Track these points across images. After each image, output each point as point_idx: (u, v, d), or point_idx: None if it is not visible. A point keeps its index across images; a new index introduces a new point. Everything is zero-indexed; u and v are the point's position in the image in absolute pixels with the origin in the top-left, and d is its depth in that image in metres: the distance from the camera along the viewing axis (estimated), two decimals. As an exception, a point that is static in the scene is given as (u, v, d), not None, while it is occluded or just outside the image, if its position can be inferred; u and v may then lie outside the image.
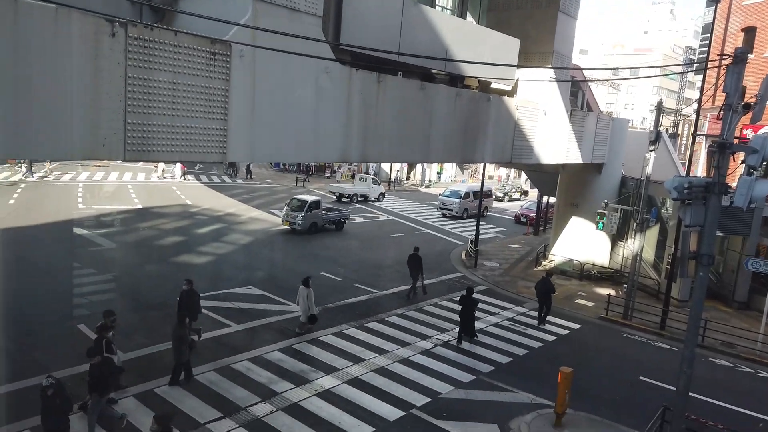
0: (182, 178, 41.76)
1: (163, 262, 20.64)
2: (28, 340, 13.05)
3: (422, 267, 19.32)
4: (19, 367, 11.76)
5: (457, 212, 36.90)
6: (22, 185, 32.30)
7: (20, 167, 36.44)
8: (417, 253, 19.38)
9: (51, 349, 12.89)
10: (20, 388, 10.91)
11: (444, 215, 37.02)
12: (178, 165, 41.69)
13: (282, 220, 28.03)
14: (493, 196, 42.82)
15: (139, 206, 30.09)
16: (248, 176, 46.49)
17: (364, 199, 40.37)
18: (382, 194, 41.71)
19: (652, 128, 18.55)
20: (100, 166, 41.30)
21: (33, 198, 29.13)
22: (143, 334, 14.03)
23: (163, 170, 41.85)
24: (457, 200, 37.22)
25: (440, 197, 38.79)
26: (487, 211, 39.37)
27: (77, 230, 23.69)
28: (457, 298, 19.03)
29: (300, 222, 27.04)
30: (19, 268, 18.19)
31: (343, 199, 39.31)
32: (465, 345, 15.22)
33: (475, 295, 16.35)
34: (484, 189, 39.33)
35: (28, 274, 17.85)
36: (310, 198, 28.44)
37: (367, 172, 54.72)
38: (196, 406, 10.91)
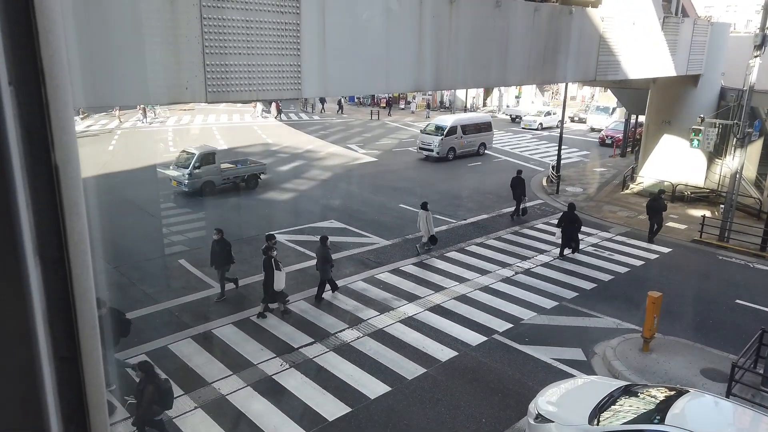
0: (278, 116, 43.05)
1: (250, 198, 21.63)
2: (136, 275, 14.31)
3: (525, 189, 19.97)
4: (132, 299, 13.00)
5: (439, 153, 28.75)
6: (119, 132, 34.44)
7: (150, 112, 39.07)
8: (520, 175, 19.92)
9: (157, 282, 14.11)
10: (133, 317, 12.09)
11: (426, 158, 29.38)
12: (273, 104, 43.09)
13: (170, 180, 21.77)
14: (493, 130, 32.75)
15: (225, 147, 31.35)
16: (339, 111, 47.16)
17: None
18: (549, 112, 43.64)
19: (757, 31, 16.65)
20: (186, 109, 43.06)
21: (129, 143, 31.06)
22: (238, 266, 14.95)
23: (262, 110, 43.33)
24: (438, 138, 28.92)
25: (420, 134, 30.77)
26: (485, 149, 31.31)
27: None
28: (545, 224, 18.85)
29: (186, 181, 20.96)
30: (123, 208, 19.74)
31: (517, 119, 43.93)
32: (545, 272, 15.09)
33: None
34: (482, 120, 32.32)
35: (131, 213, 19.35)
36: (201, 150, 21.80)
37: (441, 101, 53.57)
38: (289, 332, 11.67)
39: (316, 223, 18.67)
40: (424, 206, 16.16)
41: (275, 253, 12.26)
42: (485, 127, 31.93)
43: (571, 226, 16.05)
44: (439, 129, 29.66)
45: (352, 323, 12.13)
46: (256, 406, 9.28)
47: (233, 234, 17.49)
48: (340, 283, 14.09)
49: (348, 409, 9.23)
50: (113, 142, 31.39)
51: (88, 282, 0.82)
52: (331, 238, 17.15)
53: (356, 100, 53.74)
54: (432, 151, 29.08)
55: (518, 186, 19.63)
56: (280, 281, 12.06)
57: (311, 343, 11.27)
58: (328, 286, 13.24)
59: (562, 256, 16.19)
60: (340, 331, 11.77)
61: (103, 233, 17.15)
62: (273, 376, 10.12)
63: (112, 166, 25.39)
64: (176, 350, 10.86)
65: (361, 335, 11.64)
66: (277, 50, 9.45)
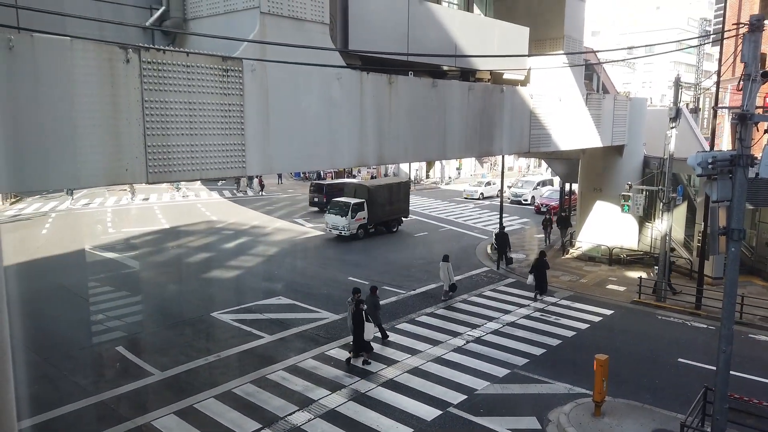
0: (261, 192, 44.21)
1: (193, 279, 20.98)
2: (68, 365, 13.38)
3: (509, 243, 23.11)
4: (63, 392, 12.07)
5: None
6: (53, 215, 33.15)
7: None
8: (503, 231, 23.04)
9: (92, 371, 13.22)
10: (64, 413, 11.20)
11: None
12: (256, 180, 44.97)
13: None
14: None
15: (166, 226, 30.63)
16: (261, 191, 45.93)
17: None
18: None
19: (671, 105, 18.20)
20: (125, 189, 42.16)
21: (64, 226, 29.87)
22: (180, 350, 14.29)
23: (247, 185, 45.26)
24: None
25: None
26: None
27: (109, 254, 24.23)
28: (492, 291, 19.19)
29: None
30: (56, 294, 18.69)
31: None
32: (495, 339, 15.16)
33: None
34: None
35: (65, 299, 18.32)
36: None
37: (386, 174, 54.79)
38: (235, 419, 11.07)
39: (262, 301, 18.22)
40: (445, 258, 18.38)
41: (365, 306, 13.63)
42: None
43: (542, 271, 18.40)
44: None
45: (303, 405, 11.64)
46: (199, 503, 8.60)
47: (176, 316, 16.81)
48: (288, 362, 13.65)
49: (300, 500, 8.69)
50: (47, 225, 30.12)
51: (8, 395, 0.78)
52: (277, 316, 16.80)
53: (302, 175, 54.24)
54: None
55: (502, 240, 22.59)
56: (369, 332, 13.46)
57: (259, 429, 10.69)
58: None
59: (536, 298, 18.59)
60: (290, 414, 11.25)
61: (33, 322, 16.10)
62: (218, 469, 9.47)
63: (45, 251, 24.22)
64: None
65: (312, 417, 11.16)
66: (220, 130, 9.54)
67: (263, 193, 43.49)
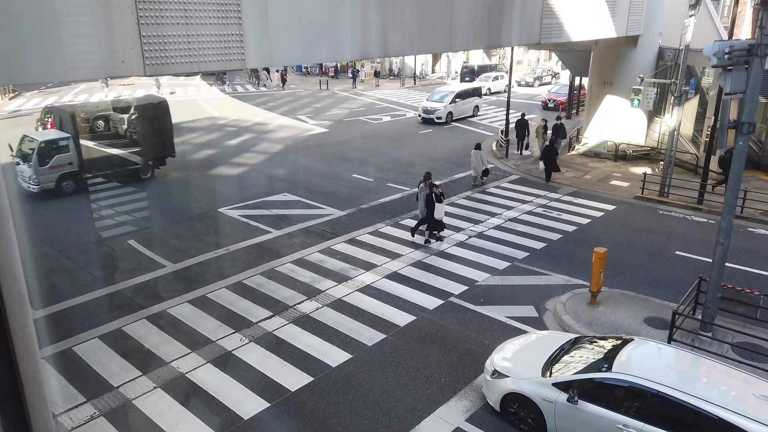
0: (282, 87, 42.95)
1: (199, 175, 21.10)
2: (84, 258, 13.84)
3: (528, 129, 23.97)
4: (81, 283, 12.59)
5: None
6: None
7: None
8: (524, 118, 23.88)
9: (107, 264, 13.71)
10: (84, 302, 11.75)
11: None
12: (277, 74, 44.10)
13: None
14: None
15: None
16: (282, 86, 45.25)
17: None
18: None
19: (692, -9, 17.13)
20: (125, 84, 41.24)
21: (65, 123, 29.55)
22: (190, 244, 14.71)
23: (262, 79, 45.31)
24: None
25: None
26: None
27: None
28: (496, 188, 19.31)
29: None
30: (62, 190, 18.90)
31: None
32: (497, 234, 15.46)
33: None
34: None
35: (72, 195, 18.56)
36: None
37: (390, 69, 53.15)
38: (247, 307, 11.61)
39: (269, 197, 18.45)
40: (477, 147, 19.92)
41: (438, 189, 14.57)
42: None
43: (552, 157, 19.96)
44: None
45: (311, 295, 12.16)
46: (216, 381, 9.25)
47: (184, 212, 17.12)
48: (295, 255, 14.06)
49: (310, 379, 9.33)
50: (49, 121, 29.81)
51: (14, 259, 0.80)
52: (283, 211, 17.08)
53: (303, 69, 52.78)
54: None
55: (522, 126, 23.57)
56: (440, 211, 14.39)
57: (270, 317, 11.25)
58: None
59: (548, 180, 20.11)
60: (299, 303, 11.78)
61: (42, 217, 16.45)
62: (233, 352, 10.08)
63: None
64: (131, 332, 10.66)
65: (320, 306, 11.70)
66: (217, 19, 9.13)
67: (284, 88, 42.11)
